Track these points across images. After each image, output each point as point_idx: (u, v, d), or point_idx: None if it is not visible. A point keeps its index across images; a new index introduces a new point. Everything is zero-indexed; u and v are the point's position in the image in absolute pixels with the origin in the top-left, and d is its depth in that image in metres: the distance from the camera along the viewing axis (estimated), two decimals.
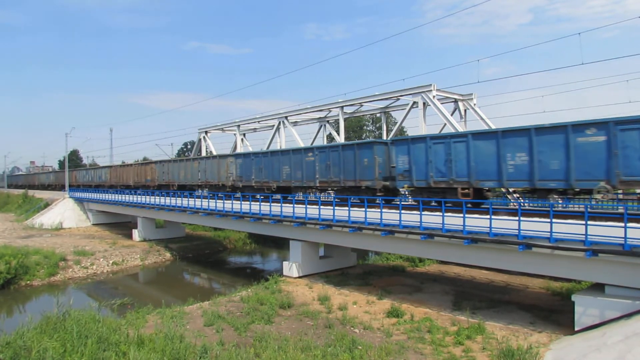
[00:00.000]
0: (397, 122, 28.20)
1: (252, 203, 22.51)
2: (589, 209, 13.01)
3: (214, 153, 37.74)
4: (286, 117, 31.40)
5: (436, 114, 22.28)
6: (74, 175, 60.13)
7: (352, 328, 13.21)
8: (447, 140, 17.43)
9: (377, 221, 16.01)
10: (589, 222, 11.19)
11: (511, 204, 19.66)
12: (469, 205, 16.79)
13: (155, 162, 40.08)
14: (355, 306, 15.59)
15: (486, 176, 16.25)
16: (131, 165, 46.28)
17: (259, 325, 13.53)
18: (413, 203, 19.36)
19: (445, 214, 14.09)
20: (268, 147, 31.69)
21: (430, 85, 22.31)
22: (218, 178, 30.90)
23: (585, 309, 11.54)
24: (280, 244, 32.64)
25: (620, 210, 16.22)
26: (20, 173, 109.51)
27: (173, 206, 28.65)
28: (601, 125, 13.50)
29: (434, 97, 22.25)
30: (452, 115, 23.37)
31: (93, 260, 27.90)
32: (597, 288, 12.01)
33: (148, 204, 31.87)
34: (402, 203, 17.94)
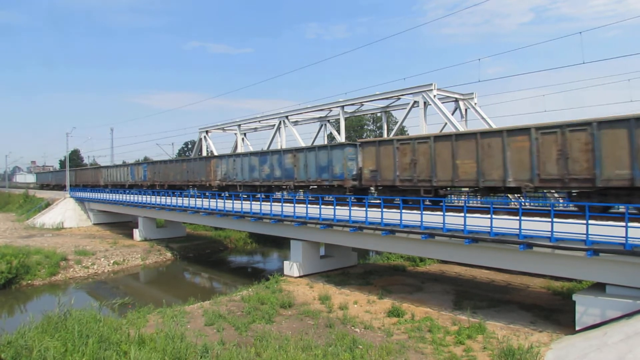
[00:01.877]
0: (397, 122, 28.15)
1: (252, 203, 22.54)
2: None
3: (215, 153, 37.72)
4: (287, 117, 31.37)
5: (437, 114, 22.26)
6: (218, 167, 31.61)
7: (352, 327, 13.21)
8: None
9: (377, 221, 16.02)
10: (589, 222, 11.19)
11: (511, 203, 19.63)
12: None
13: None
14: (356, 306, 15.59)
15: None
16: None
17: (259, 325, 13.53)
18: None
19: (447, 214, 14.10)
20: (269, 147, 31.68)
21: (431, 84, 22.29)
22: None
23: (586, 308, 11.54)
24: (281, 244, 32.63)
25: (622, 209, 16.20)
26: (72, 168, 68.03)
27: (174, 206, 28.68)
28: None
29: (434, 96, 22.22)
30: (452, 114, 23.34)
31: (94, 260, 27.92)
32: (598, 287, 12.01)
33: (149, 203, 31.89)
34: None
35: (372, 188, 20.86)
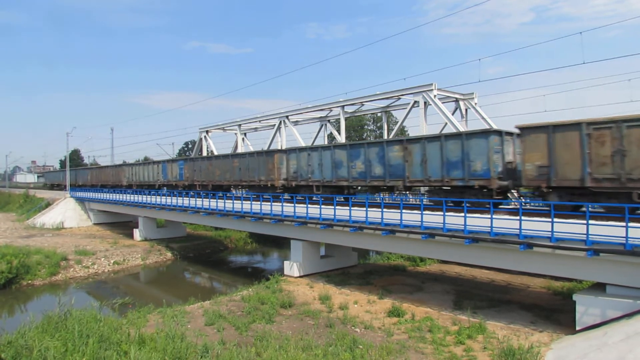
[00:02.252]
0: (398, 122, 28.13)
1: (252, 202, 22.53)
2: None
3: (215, 153, 37.70)
4: (287, 117, 31.35)
5: (437, 114, 22.26)
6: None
7: (353, 327, 13.21)
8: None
9: (378, 221, 16.03)
10: (590, 222, 11.18)
11: (512, 203, 19.61)
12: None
13: None
14: (356, 305, 15.59)
15: None
16: None
17: (260, 325, 13.54)
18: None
19: (447, 214, 14.09)
20: (269, 147, 31.61)
21: (431, 84, 22.28)
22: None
23: (586, 308, 11.55)
24: (281, 244, 32.64)
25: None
26: (88, 166, 70.63)
27: (174, 206, 28.68)
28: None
29: (434, 96, 22.20)
30: (453, 114, 23.34)
31: (94, 260, 27.93)
32: (599, 288, 12.01)
33: (149, 203, 31.90)
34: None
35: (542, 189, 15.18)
